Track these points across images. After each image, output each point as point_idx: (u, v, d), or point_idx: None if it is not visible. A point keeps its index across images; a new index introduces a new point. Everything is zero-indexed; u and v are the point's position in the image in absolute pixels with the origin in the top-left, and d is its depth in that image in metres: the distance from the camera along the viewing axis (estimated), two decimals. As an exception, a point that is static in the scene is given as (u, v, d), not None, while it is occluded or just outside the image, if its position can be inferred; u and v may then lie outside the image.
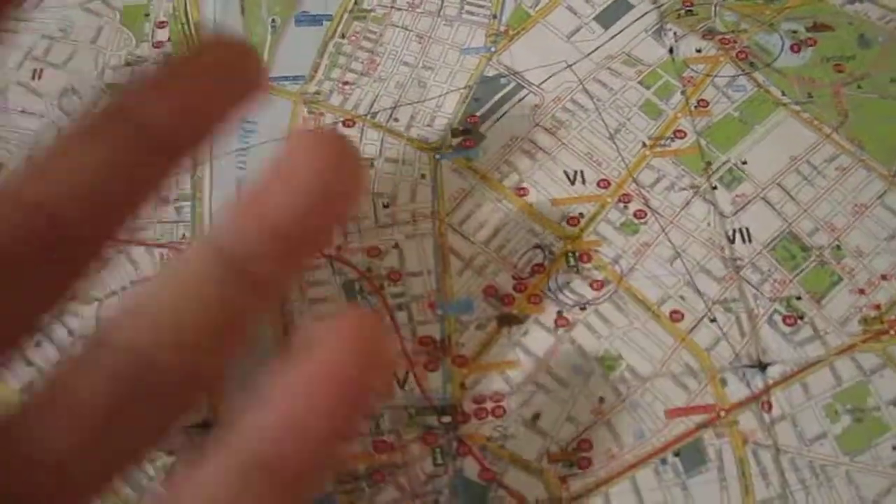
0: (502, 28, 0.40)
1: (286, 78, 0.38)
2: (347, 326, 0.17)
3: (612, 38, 0.39)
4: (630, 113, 0.38)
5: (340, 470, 0.25)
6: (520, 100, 0.38)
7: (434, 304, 0.34)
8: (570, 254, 0.35)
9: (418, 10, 0.40)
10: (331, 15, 0.40)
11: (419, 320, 0.34)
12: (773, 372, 0.33)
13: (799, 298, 0.34)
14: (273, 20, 0.40)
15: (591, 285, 0.34)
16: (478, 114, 0.38)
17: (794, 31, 0.40)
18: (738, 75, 0.39)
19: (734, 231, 0.35)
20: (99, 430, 0.16)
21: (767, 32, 0.40)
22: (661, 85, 0.38)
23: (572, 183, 0.36)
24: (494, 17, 0.40)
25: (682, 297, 0.34)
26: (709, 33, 0.40)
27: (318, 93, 0.38)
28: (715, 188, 0.36)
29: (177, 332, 0.17)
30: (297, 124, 0.37)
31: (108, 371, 0.16)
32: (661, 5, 0.40)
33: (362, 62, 0.39)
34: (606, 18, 0.40)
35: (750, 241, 0.35)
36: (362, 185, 0.19)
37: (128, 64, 0.38)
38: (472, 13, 0.40)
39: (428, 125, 0.37)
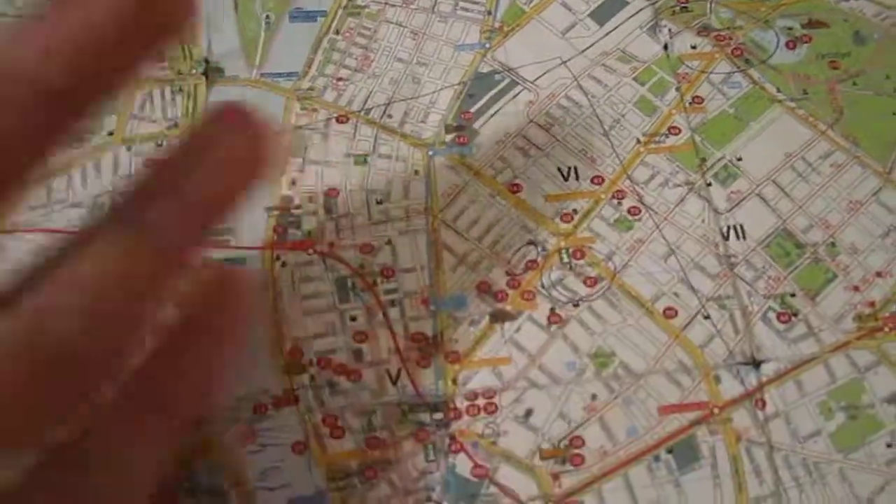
0: (497, 24, 0.40)
1: (280, 74, 0.38)
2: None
3: (607, 34, 0.39)
4: (624, 109, 0.37)
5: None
6: (514, 96, 0.38)
7: (427, 300, 0.34)
8: (563, 250, 0.35)
9: (412, 6, 0.40)
10: (325, 11, 0.40)
11: (412, 316, 0.34)
12: (767, 369, 0.33)
13: (793, 295, 0.34)
14: (267, 16, 0.39)
15: (584, 282, 0.34)
16: (472, 110, 0.37)
17: (790, 28, 0.40)
18: (734, 72, 0.38)
19: (728, 228, 0.35)
20: None
21: (763, 29, 0.40)
22: (656, 81, 0.38)
23: (566, 179, 0.36)
24: (489, 13, 0.40)
25: (675, 294, 0.34)
26: (704, 30, 0.39)
27: (311, 89, 0.38)
28: (709, 185, 0.36)
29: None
30: (290, 119, 0.37)
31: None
32: (656, 2, 0.40)
33: (356, 58, 0.39)
34: (601, 15, 0.40)
35: (744, 237, 0.35)
36: None
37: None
38: (466, 9, 0.40)
39: (422, 121, 0.37)
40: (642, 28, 0.40)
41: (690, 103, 0.38)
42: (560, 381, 0.33)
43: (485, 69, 0.38)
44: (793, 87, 0.38)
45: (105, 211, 0.17)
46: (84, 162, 0.36)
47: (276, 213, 0.35)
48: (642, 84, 0.38)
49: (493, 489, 0.31)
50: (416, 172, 0.36)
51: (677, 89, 0.38)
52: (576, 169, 0.36)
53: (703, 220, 0.35)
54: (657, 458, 0.32)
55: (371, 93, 0.38)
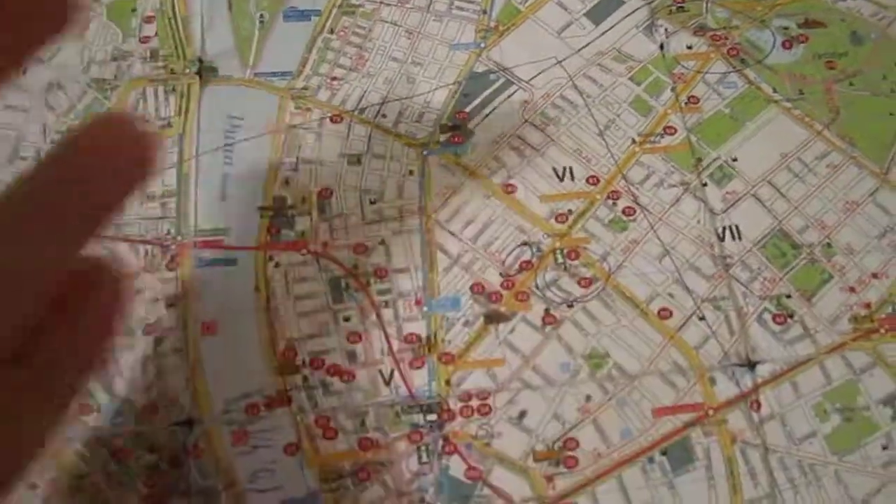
0: (492, 24, 0.39)
1: (274, 73, 0.38)
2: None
3: (603, 34, 0.39)
4: (620, 109, 0.37)
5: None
6: (509, 96, 0.38)
7: (421, 300, 0.34)
8: (558, 251, 0.35)
9: (407, 5, 0.40)
10: (319, 10, 0.40)
11: (405, 317, 0.33)
12: (763, 370, 0.33)
13: (789, 296, 0.34)
14: (261, 15, 0.39)
15: (579, 282, 0.34)
16: (466, 110, 0.37)
17: (786, 28, 0.39)
18: (730, 72, 0.38)
19: (724, 228, 0.35)
20: None
21: (759, 29, 0.39)
22: (652, 81, 0.38)
23: (561, 179, 0.36)
24: (484, 12, 0.40)
25: (670, 295, 0.34)
26: (700, 29, 0.39)
27: (305, 88, 0.38)
28: (705, 185, 0.36)
29: None
30: (283, 120, 0.37)
31: None
32: (653, 1, 0.40)
33: (351, 58, 0.39)
34: (597, 14, 0.40)
35: (740, 238, 0.35)
36: None
37: (114, 59, 0.38)
38: (461, 9, 0.40)
39: (416, 121, 0.37)
40: (638, 27, 0.39)
41: (686, 103, 0.37)
42: (554, 382, 0.32)
43: (480, 69, 0.38)
44: (789, 88, 0.38)
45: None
46: (77, 161, 0.36)
47: (269, 213, 0.35)
48: (638, 84, 0.38)
49: (486, 491, 0.31)
50: (411, 172, 0.36)
51: (673, 89, 0.38)
52: (571, 169, 0.36)
53: (698, 221, 0.35)
54: (651, 460, 0.31)
55: (365, 92, 0.38)
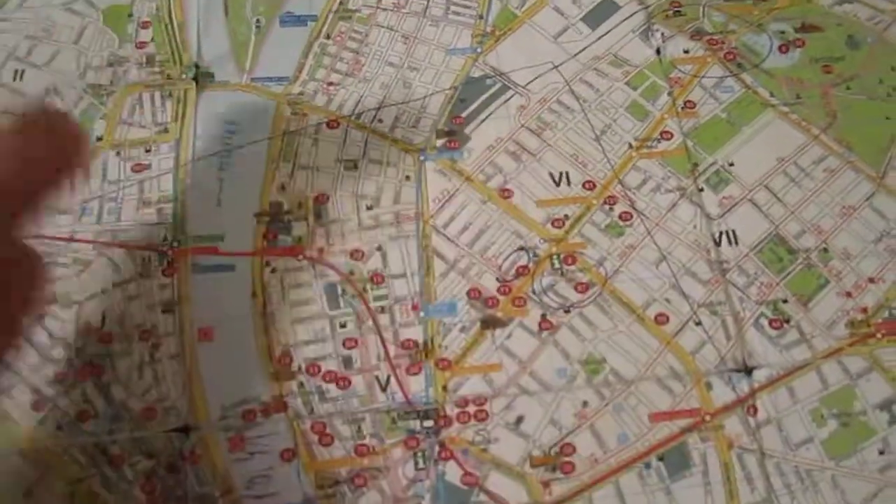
0: (488, 28, 0.39)
1: (270, 79, 0.38)
2: None
3: (600, 38, 0.39)
4: (616, 114, 0.37)
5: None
6: (506, 101, 0.38)
7: (417, 306, 0.34)
8: (554, 256, 0.35)
9: (404, 10, 0.40)
10: (315, 15, 0.40)
11: (402, 323, 0.33)
12: (759, 376, 0.33)
13: (785, 301, 0.34)
14: (257, 20, 0.39)
15: (575, 288, 0.34)
16: (463, 115, 0.37)
17: (783, 32, 0.39)
18: (726, 76, 0.38)
19: (720, 233, 0.35)
20: None
21: (756, 33, 0.39)
22: (648, 86, 0.38)
23: (557, 184, 0.36)
24: (481, 17, 0.40)
25: (667, 300, 0.34)
26: (697, 34, 0.39)
27: (302, 93, 0.38)
28: (702, 190, 0.36)
29: None
30: (280, 125, 0.37)
31: None
32: (649, 6, 0.40)
33: (347, 63, 0.39)
34: (593, 19, 0.40)
35: (736, 243, 0.35)
36: None
37: (110, 64, 0.38)
38: (458, 13, 0.40)
39: (413, 126, 0.37)
40: (635, 32, 0.39)
41: (683, 108, 0.37)
42: (551, 387, 0.32)
43: (476, 73, 0.38)
44: (786, 92, 0.38)
45: None
46: (73, 167, 0.36)
47: (265, 218, 0.35)
48: (634, 88, 0.38)
49: (483, 497, 0.31)
50: (407, 177, 0.36)
51: (669, 94, 0.38)
52: (567, 174, 0.36)
53: (694, 226, 0.35)
54: (648, 466, 0.31)
55: (362, 97, 0.38)
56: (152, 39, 0.39)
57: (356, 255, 0.34)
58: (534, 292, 0.34)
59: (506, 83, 0.38)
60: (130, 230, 0.34)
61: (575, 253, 0.35)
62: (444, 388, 0.32)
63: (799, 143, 0.37)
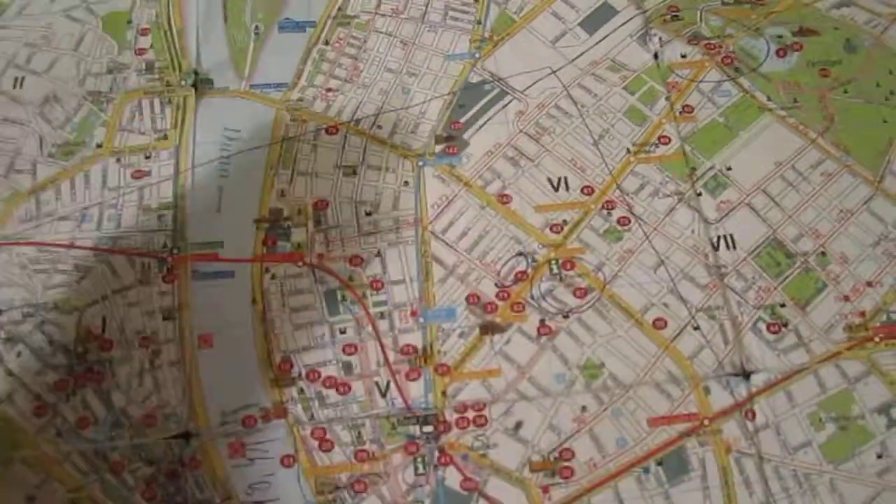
0: (487, 34, 0.40)
1: (269, 85, 0.38)
2: None
3: (597, 43, 0.39)
4: (614, 119, 0.37)
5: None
6: (504, 106, 0.38)
7: (416, 312, 0.34)
8: (553, 261, 0.35)
9: (402, 15, 0.40)
10: (314, 21, 0.40)
11: (401, 328, 0.33)
12: (757, 380, 0.33)
13: (783, 306, 0.34)
14: (256, 27, 0.39)
15: (574, 293, 0.34)
16: (461, 120, 0.37)
17: (780, 36, 0.39)
18: (724, 80, 0.38)
19: (718, 238, 0.35)
20: None
21: (753, 37, 0.39)
22: (646, 90, 0.38)
23: (556, 190, 0.36)
24: (479, 22, 0.40)
25: (665, 305, 0.34)
26: (694, 38, 0.39)
27: (301, 99, 0.38)
28: (699, 194, 0.36)
29: None
30: (279, 132, 0.37)
31: None
32: (647, 10, 0.40)
33: (346, 69, 0.39)
34: (591, 24, 0.40)
35: (734, 247, 0.35)
36: None
37: (109, 71, 0.38)
38: (456, 19, 0.40)
39: (411, 132, 0.37)
40: (632, 37, 0.39)
41: (680, 112, 0.38)
42: (550, 392, 0.33)
43: (474, 79, 0.38)
44: (783, 96, 0.38)
45: None
46: (73, 174, 0.36)
47: (265, 225, 0.35)
48: (632, 93, 0.38)
49: (482, 502, 0.31)
50: (406, 183, 0.36)
51: (667, 98, 0.38)
52: (566, 179, 0.36)
53: (692, 231, 0.35)
54: (647, 470, 0.32)
55: (360, 103, 0.38)
56: (151, 46, 0.39)
57: (355, 260, 0.34)
58: (532, 297, 0.34)
59: (504, 88, 0.38)
60: (130, 237, 0.35)
61: (573, 258, 0.35)
62: (444, 393, 0.32)
63: (796, 146, 0.37)
